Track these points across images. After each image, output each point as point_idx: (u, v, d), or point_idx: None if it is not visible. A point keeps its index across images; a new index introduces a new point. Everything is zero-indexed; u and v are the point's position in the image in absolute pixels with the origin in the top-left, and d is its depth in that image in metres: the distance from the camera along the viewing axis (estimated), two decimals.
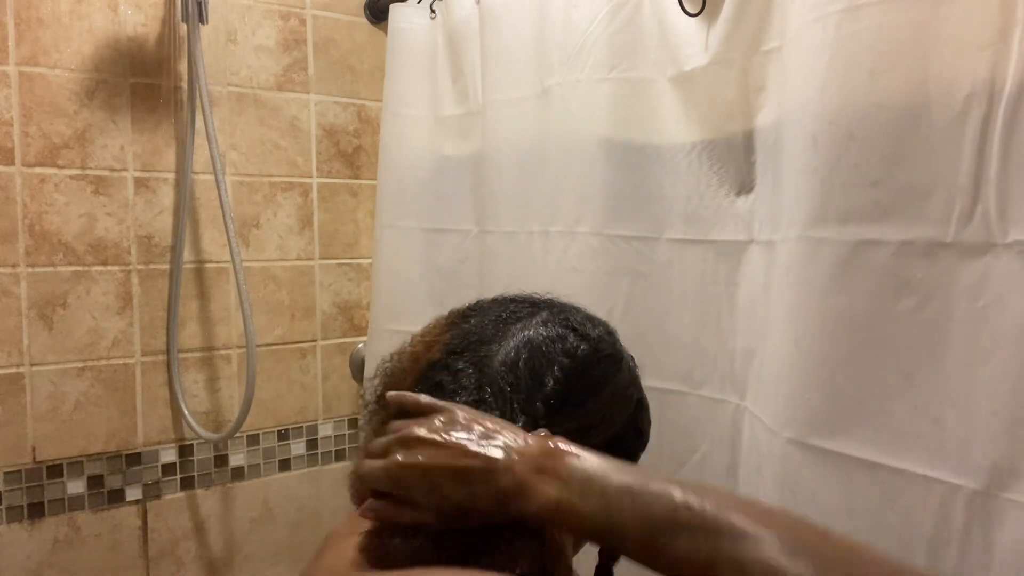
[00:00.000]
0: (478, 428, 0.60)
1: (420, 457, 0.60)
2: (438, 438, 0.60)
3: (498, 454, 0.58)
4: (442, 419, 0.61)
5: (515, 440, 0.59)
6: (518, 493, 0.57)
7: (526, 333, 0.70)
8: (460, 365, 0.68)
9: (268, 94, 1.61)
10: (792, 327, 0.90)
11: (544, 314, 0.72)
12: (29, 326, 1.38)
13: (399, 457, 0.61)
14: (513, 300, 0.75)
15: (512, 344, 0.68)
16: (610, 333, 0.75)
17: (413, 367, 0.72)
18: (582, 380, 0.69)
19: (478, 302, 0.77)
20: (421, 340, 0.74)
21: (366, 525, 0.63)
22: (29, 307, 1.38)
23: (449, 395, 0.66)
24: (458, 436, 0.60)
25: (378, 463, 0.62)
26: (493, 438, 0.59)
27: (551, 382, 0.67)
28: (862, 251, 0.82)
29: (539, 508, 0.57)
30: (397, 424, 0.64)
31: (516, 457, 0.58)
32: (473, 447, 0.59)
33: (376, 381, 0.75)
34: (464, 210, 1.51)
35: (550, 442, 0.59)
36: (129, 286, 1.47)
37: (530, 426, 0.64)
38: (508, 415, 0.65)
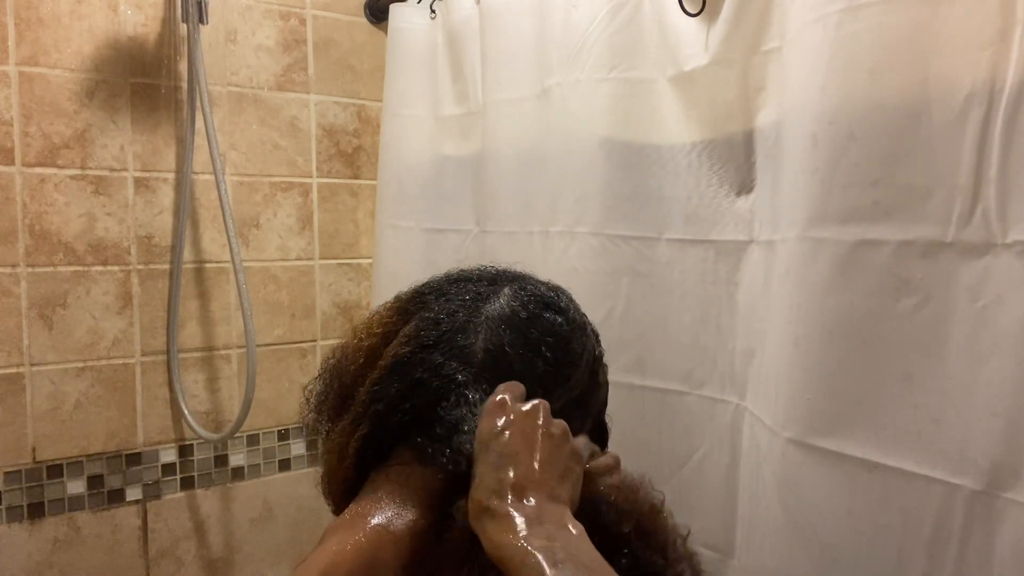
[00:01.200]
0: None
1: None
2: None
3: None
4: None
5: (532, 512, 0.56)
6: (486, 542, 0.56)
7: (500, 313, 0.67)
8: (438, 358, 0.65)
9: (268, 94, 1.61)
10: (792, 327, 0.90)
11: (506, 289, 0.70)
12: (29, 326, 1.38)
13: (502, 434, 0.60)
14: (468, 278, 0.72)
15: (490, 329, 0.66)
16: (570, 298, 0.74)
17: (371, 362, 0.68)
18: (566, 356, 0.68)
19: (428, 283, 0.73)
20: (372, 332, 0.70)
21: (364, 524, 0.63)
22: (29, 307, 1.38)
23: (434, 392, 0.64)
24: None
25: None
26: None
27: (541, 364, 0.66)
28: (862, 251, 0.82)
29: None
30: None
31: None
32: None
33: (323, 380, 0.72)
34: (464, 210, 1.51)
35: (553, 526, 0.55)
36: (129, 286, 1.47)
37: None
38: None
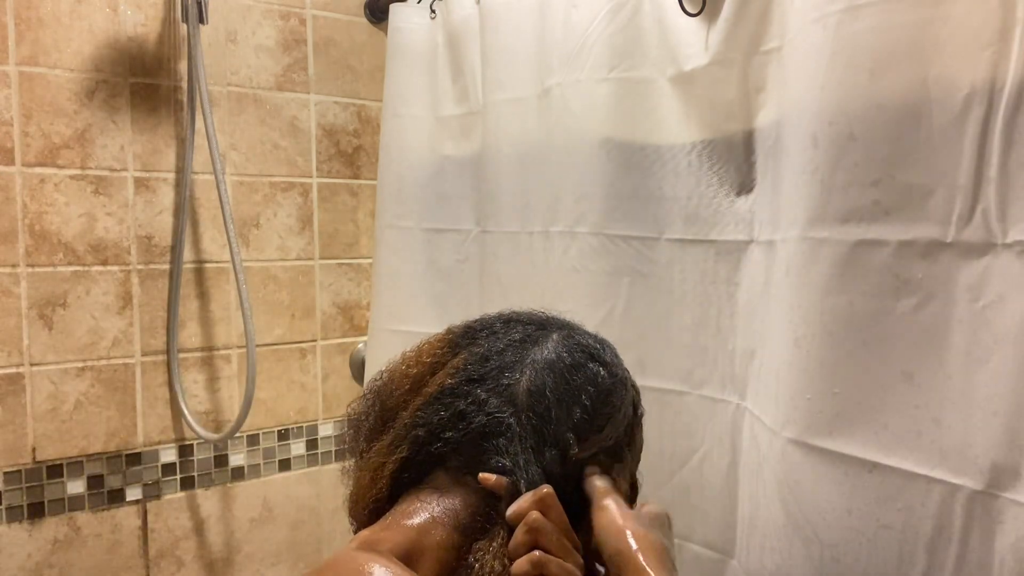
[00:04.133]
0: None
1: None
2: None
3: None
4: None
5: None
6: None
7: (546, 357, 0.70)
8: (482, 394, 0.67)
9: (268, 94, 1.61)
10: (792, 327, 0.90)
11: (555, 336, 0.72)
12: (29, 326, 1.38)
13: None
14: (518, 320, 0.75)
15: (535, 371, 0.69)
16: (615, 353, 0.76)
17: (416, 389, 0.71)
18: (604, 408, 0.70)
19: (480, 320, 0.76)
20: (420, 361, 0.73)
21: (397, 526, 0.64)
22: (29, 307, 1.38)
23: (477, 426, 0.66)
24: None
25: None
26: None
27: (579, 411, 0.68)
28: (862, 251, 0.82)
29: None
30: None
31: None
32: None
33: (366, 401, 0.75)
34: (464, 210, 1.51)
35: None
36: (129, 286, 1.47)
37: (561, 455, 0.66)
38: (541, 445, 0.66)
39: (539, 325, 0.74)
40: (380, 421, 0.72)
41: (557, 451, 0.66)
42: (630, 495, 0.76)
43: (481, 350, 0.71)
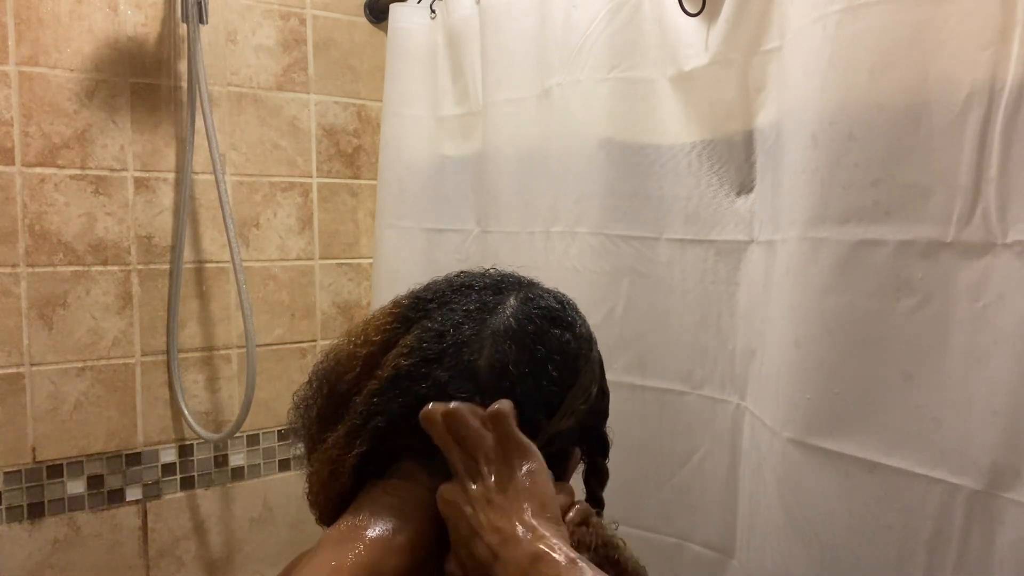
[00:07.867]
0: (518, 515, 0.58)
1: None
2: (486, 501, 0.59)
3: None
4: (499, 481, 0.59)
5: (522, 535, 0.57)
6: None
7: (506, 327, 0.64)
8: (442, 375, 0.62)
9: (268, 94, 1.61)
10: (792, 327, 0.90)
11: (511, 300, 0.67)
12: (29, 326, 1.38)
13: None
14: (470, 286, 0.69)
15: (495, 344, 0.63)
16: (575, 308, 0.71)
17: (368, 371, 0.65)
18: (570, 372, 0.66)
19: (429, 288, 0.70)
20: (369, 339, 0.67)
21: (364, 535, 0.61)
22: (29, 307, 1.38)
23: None
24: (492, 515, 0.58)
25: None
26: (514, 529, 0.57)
27: (546, 383, 0.64)
28: (862, 251, 0.82)
29: None
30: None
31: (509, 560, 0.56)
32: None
33: (311, 385, 0.69)
34: (465, 210, 1.51)
35: (545, 546, 0.56)
36: (129, 286, 1.47)
37: (532, 430, 0.62)
38: None
39: (494, 289, 0.68)
40: (331, 407, 0.66)
41: (529, 428, 0.62)
42: (600, 451, 0.73)
43: (435, 325, 0.64)
